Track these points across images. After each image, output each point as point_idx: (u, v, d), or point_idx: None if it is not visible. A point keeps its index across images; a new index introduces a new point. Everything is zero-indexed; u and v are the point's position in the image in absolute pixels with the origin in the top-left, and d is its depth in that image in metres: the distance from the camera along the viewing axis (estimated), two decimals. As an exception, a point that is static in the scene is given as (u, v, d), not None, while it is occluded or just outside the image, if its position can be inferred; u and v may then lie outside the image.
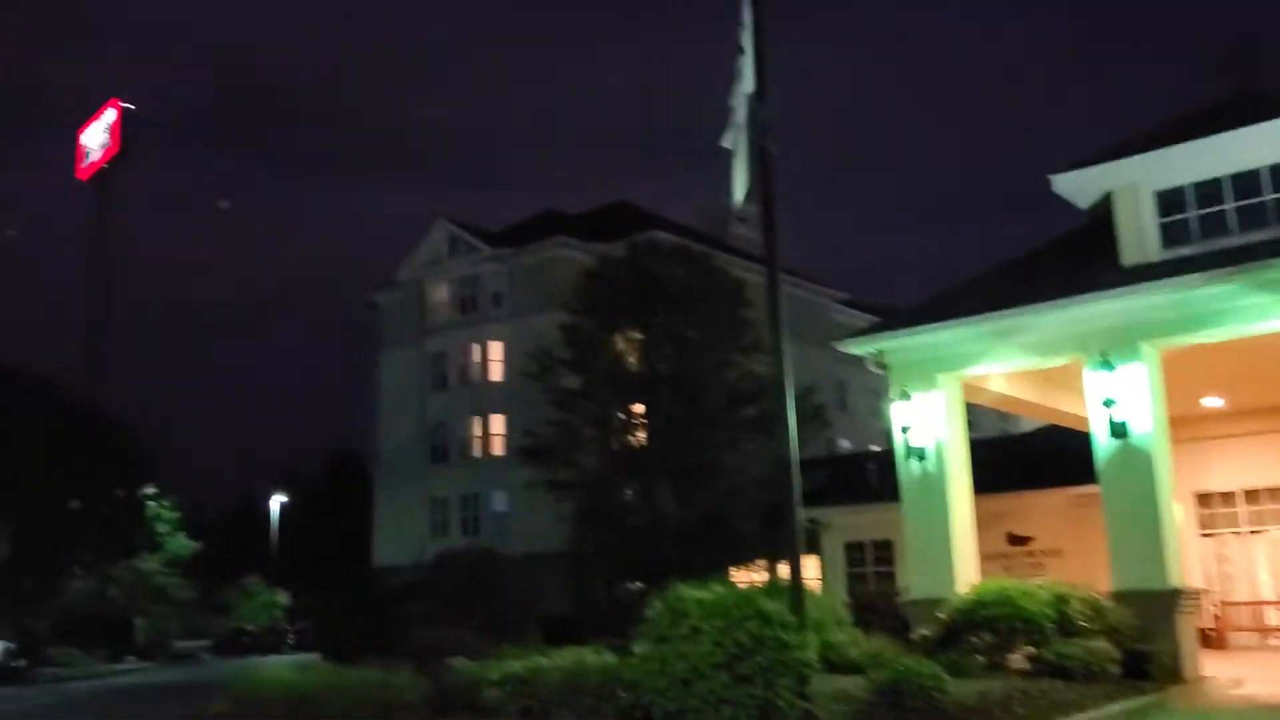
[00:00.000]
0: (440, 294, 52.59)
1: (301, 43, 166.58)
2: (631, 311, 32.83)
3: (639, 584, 29.84)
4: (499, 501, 47.80)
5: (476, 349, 50.34)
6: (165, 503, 40.95)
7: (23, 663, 32.40)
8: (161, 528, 40.52)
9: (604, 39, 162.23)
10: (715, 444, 31.60)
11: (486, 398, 49.36)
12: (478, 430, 49.67)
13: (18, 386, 36.68)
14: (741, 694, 9.21)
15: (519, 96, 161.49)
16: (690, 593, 9.97)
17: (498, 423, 48.75)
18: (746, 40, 11.41)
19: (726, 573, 31.30)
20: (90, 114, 58.31)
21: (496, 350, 49.86)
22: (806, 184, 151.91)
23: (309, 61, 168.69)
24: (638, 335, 33.23)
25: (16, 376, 37.33)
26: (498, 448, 48.51)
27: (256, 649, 46.06)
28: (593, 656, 11.99)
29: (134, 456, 38.34)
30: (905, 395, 17.04)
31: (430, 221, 53.31)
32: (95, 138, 57.68)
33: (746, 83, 11.39)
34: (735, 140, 11.60)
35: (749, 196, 11.70)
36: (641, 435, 33.11)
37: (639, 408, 33.20)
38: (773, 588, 13.04)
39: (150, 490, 39.88)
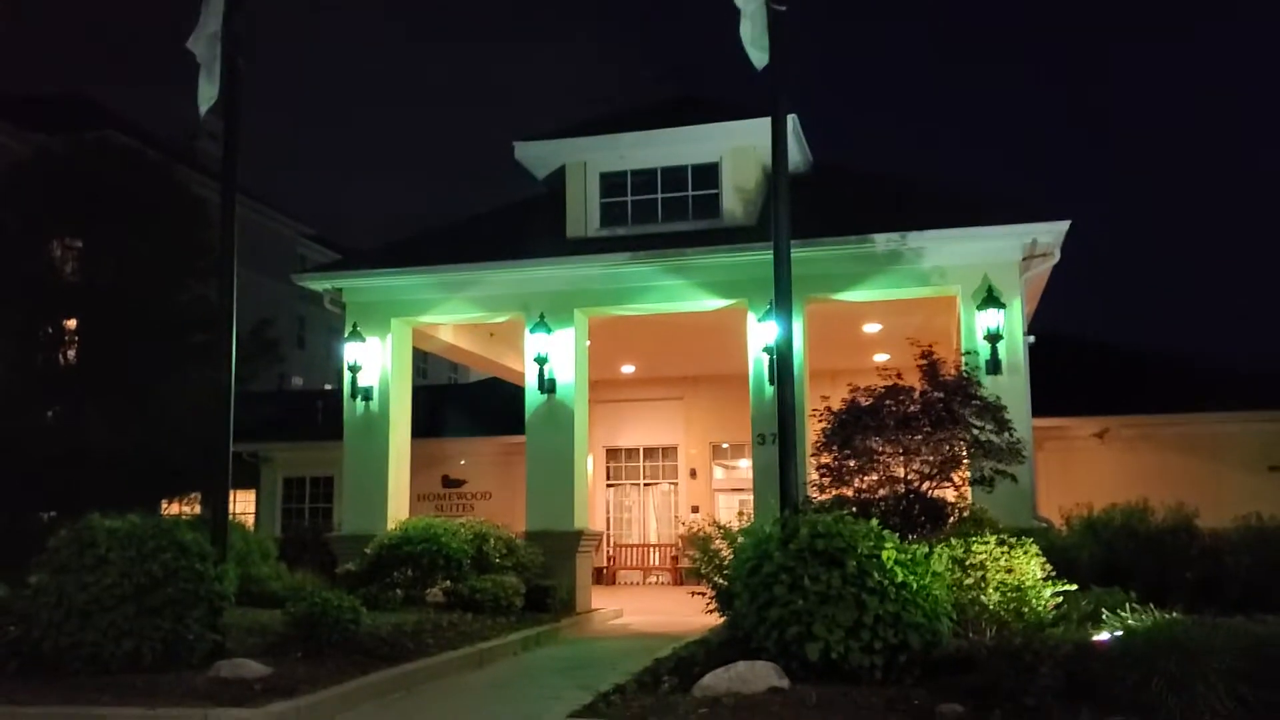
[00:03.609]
0: None
1: None
2: (70, 216, 29.61)
3: (53, 515, 27.27)
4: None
5: None
6: None
7: None
8: None
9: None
10: (156, 369, 29.64)
11: None
12: None
13: None
14: (148, 626, 8.99)
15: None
16: (101, 522, 9.49)
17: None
18: None
19: (157, 506, 29.62)
20: None
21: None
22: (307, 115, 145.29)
23: None
24: (76, 243, 30.09)
25: None
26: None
27: None
28: (-21, 590, 10.95)
29: None
30: (358, 335, 17.37)
31: None
32: None
33: None
34: (205, 47, 11.00)
35: (214, 109, 11.20)
36: (73, 354, 30.12)
37: (72, 323, 30.16)
38: (200, 520, 12.69)
39: None
